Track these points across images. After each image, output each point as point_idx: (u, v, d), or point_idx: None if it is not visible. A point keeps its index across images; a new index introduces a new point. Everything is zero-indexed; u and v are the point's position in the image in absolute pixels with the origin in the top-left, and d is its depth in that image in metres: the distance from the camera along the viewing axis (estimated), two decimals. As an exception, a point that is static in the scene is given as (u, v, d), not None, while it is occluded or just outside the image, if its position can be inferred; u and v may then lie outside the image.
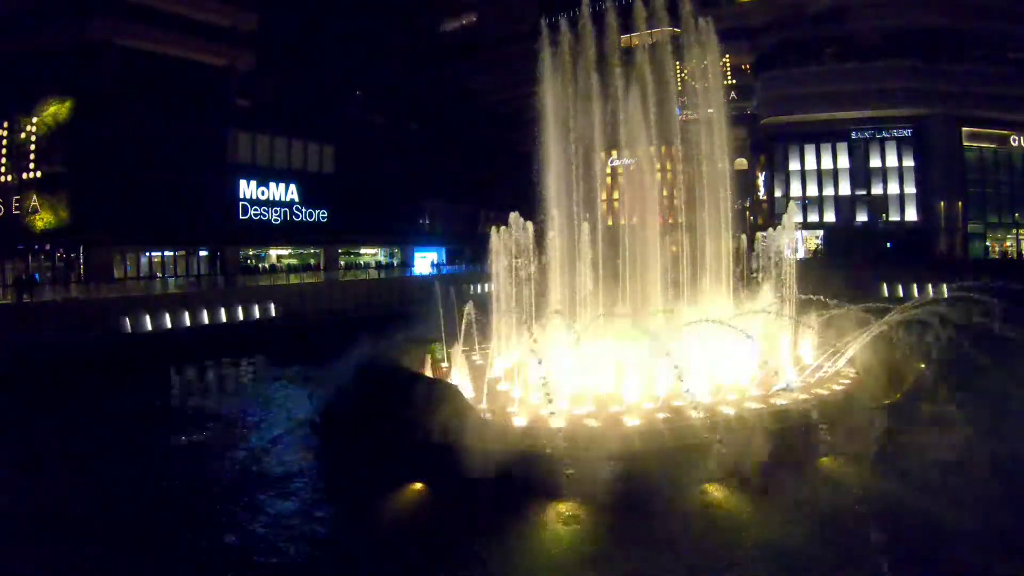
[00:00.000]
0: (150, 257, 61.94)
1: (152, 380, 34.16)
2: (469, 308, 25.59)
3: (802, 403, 20.43)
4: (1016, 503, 16.05)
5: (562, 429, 17.82)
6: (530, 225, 27.31)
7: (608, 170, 43.18)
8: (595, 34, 30.54)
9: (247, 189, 65.79)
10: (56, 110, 54.95)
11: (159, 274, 60.52)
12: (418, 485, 18.01)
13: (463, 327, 25.44)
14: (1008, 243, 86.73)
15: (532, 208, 29.01)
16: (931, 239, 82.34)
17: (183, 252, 63.46)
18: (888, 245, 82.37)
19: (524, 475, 16.52)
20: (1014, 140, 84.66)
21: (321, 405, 23.81)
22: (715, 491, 17.35)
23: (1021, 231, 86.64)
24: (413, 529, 16.30)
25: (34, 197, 55.04)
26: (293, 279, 62.62)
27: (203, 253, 64.56)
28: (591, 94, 30.04)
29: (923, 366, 25.01)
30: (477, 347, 27.93)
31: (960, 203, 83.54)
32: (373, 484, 18.15)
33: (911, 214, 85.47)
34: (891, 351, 24.34)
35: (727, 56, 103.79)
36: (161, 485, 19.82)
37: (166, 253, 62.72)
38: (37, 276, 52.17)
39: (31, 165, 55.73)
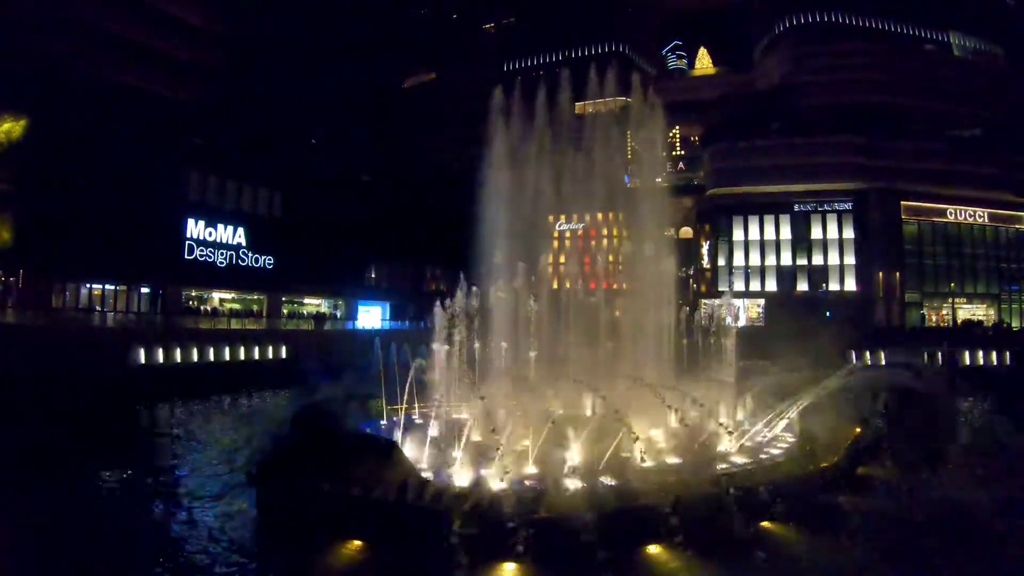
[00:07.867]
0: (90, 289, 60.33)
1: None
2: (415, 367, 25.39)
3: (741, 468, 20.66)
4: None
5: (503, 489, 17.72)
6: (475, 289, 27.41)
7: (555, 234, 43.71)
8: (549, 100, 31.23)
9: (194, 229, 64.96)
10: (10, 127, 53.85)
11: (98, 307, 58.89)
12: (356, 543, 17.61)
13: (407, 385, 25.22)
14: (944, 312, 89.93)
15: (477, 268, 29.17)
16: (869, 308, 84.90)
17: (124, 287, 61.85)
18: (828, 314, 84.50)
19: (465, 534, 16.31)
20: (950, 214, 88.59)
21: (257, 456, 23.20)
22: (658, 552, 17.32)
23: (956, 300, 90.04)
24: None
25: (-24, 213, 53.21)
26: (235, 324, 61.39)
27: (145, 290, 63.08)
28: (541, 158, 30.53)
29: (859, 431, 25.64)
30: (418, 406, 27.68)
31: (898, 274, 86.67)
32: (308, 540, 17.70)
33: (850, 284, 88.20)
34: (828, 416, 24.89)
35: (677, 127, 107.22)
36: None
37: (107, 287, 61.15)
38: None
39: (-24, 180, 53.82)
